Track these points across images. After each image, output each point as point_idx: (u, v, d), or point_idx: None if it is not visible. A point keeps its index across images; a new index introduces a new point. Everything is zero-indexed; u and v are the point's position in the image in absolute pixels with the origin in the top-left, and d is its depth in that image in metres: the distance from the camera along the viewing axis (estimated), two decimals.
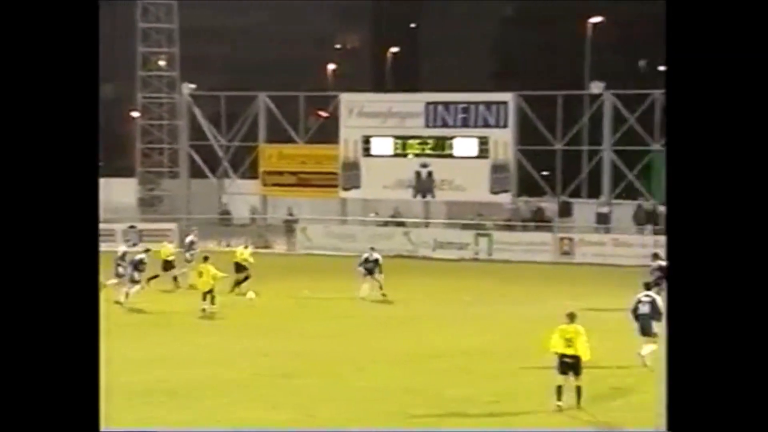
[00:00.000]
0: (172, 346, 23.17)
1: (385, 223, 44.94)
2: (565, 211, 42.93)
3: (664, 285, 26.45)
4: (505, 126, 43.28)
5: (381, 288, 30.69)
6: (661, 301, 21.01)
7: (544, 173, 44.59)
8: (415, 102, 45.03)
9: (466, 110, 43.67)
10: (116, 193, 45.88)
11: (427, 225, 44.61)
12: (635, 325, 20.99)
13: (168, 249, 33.26)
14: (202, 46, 64.33)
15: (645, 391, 18.46)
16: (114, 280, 29.24)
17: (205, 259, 28.97)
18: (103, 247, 12.05)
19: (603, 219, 42.08)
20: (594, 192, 43.62)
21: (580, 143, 43.94)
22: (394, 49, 76.87)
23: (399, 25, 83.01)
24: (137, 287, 29.25)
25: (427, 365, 21.24)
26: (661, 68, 71.67)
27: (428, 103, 44.43)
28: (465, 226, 43.35)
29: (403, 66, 75.53)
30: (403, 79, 69.33)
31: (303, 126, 47.83)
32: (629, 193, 42.54)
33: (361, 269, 30.95)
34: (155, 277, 31.47)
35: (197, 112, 47.97)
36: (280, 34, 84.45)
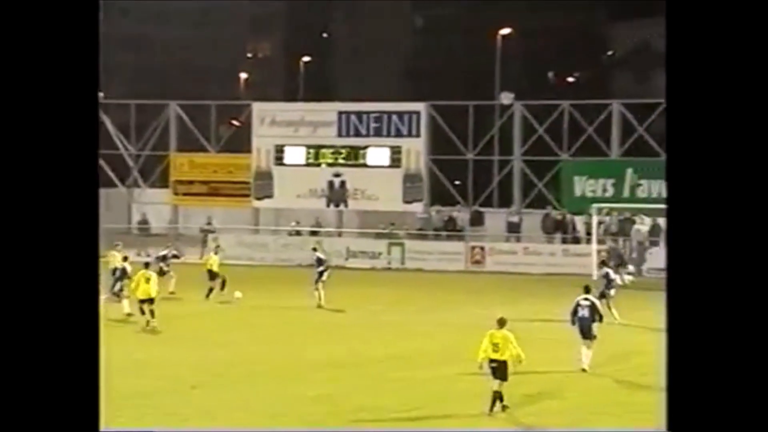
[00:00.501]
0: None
1: (297, 233, 45.17)
2: (477, 220, 43.67)
3: (612, 292, 27.27)
4: (417, 135, 43.87)
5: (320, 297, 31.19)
6: (599, 304, 21.63)
7: (456, 183, 45.30)
8: (327, 111, 45.39)
9: (378, 120, 44.17)
10: None
11: (339, 234, 44.96)
12: (575, 329, 21.45)
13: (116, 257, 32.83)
14: (111, 54, 63.77)
15: (563, 397, 19.10)
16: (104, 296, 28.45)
17: (146, 265, 28.54)
18: None
19: (513, 228, 42.90)
20: (505, 201, 44.48)
21: (491, 153, 44.75)
22: (306, 58, 77.13)
23: (311, 33, 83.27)
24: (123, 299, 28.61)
25: (338, 373, 21.47)
26: (570, 79, 73.06)
27: (341, 113, 44.82)
28: (378, 236, 43.81)
29: (316, 75, 75.83)
30: (316, 88, 69.65)
31: (215, 135, 47.85)
32: (539, 202, 43.44)
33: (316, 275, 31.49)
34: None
35: (106, 120, 47.65)
36: (191, 42, 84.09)
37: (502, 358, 17.81)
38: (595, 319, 21.26)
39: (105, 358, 9.33)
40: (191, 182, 46.91)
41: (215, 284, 32.20)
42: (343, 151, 44.48)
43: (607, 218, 40.79)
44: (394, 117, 44.14)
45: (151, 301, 26.90)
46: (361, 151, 44.26)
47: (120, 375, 20.82)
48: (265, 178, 45.55)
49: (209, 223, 45.69)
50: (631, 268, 36.25)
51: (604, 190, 41.86)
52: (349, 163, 44.36)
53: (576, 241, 41.18)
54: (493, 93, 49.80)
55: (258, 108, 46.40)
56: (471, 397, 18.62)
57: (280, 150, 45.29)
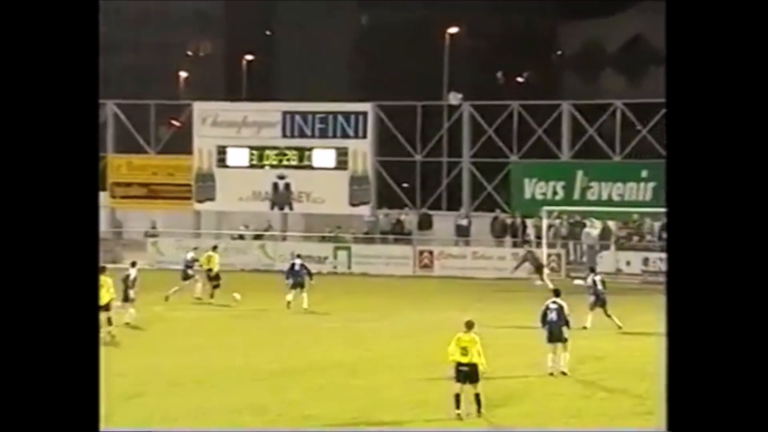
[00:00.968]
0: None
1: (241, 236, 44.86)
2: (425, 223, 43.66)
3: (603, 300, 27.44)
4: (364, 137, 43.78)
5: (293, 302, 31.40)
6: (567, 308, 21.66)
7: (404, 185, 45.27)
8: (271, 111, 45.13)
9: (324, 120, 44.01)
10: None
11: (284, 238, 44.72)
12: (544, 332, 21.56)
13: None
14: None
15: (522, 401, 19.12)
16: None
17: (102, 269, 28.00)
18: None
19: (462, 231, 42.94)
20: (454, 204, 44.49)
21: (440, 155, 44.77)
22: (249, 57, 76.75)
23: (254, 32, 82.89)
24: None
25: (279, 382, 21.20)
26: (519, 79, 73.50)
27: (285, 113, 44.60)
28: (323, 239, 43.67)
29: (259, 74, 75.51)
30: (259, 88, 69.35)
31: (154, 136, 47.37)
32: (489, 205, 43.53)
33: (290, 281, 31.63)
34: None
35: None
36: (128, 40, 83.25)
37: (472, 361, 17.90)
38: (561, 323, 21.31)
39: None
40: (129, 185, 46.40)
41: (218, 284, 32.87)
42: (287, 152, 44.25)
43: (557, 221, 41.00)
44: (340, 117, 44.02)
45: (105, 307, 26.29)
46: (307, 153, 44.06)
47: None
48: (206, 180, 45.18)
49: (154, 227, 45.25)
50: (546, 271, 36.61)
51: (555, 193, 42.05)
52: (294, 164, 44.15)
53: (526, 244, 41.28)
54: (441, 93, 49.89)
55: (199, 108, 46.03)
56: (414, 406, 18.68)
57: (222, 151, 44.95)
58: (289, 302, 31.23)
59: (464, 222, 43.02)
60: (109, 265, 33.94)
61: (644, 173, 40.76)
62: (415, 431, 17.58)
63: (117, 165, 46.50)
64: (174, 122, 50.14)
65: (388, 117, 44.00)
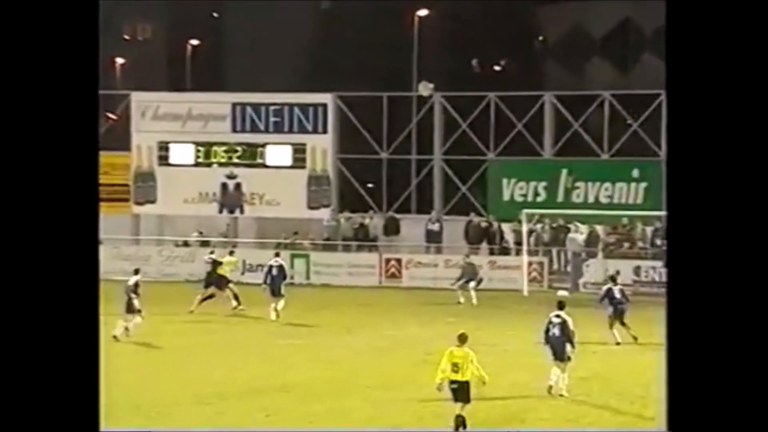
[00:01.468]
0: None
1: (185, 243, 44.88)
2: (392, 228, 43.86)
3: (626, 310, 28.16)
4: (324, 131, 43.96)
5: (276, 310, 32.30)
6: (571, 323, 21.88)
7: (369, 185, 45.47)
8: (219, 103, 45.22)
9: (279, 113, 44.15)
10: None
11: (234, 245, 44.77)
12: (546, 349, 21.82)
13: None
14: None
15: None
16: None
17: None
18: None
19: (433, 237, 43.17)
20: (424, 207, 44.73)
21: (408, 152, 45.00)
22: (194, 42, 76.69)
23: (199, 14, 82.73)
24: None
25: (223, 406, 21.09)
26: (497, 68, 73.92)
27: (235, 105, 44.72)
28: (278, 246, 43.73)
29: (205, 61, 75.41)
30: (206, 76, 69.27)
31: None
32: (463, 208, 43.79)
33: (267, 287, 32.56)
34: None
35: None
36: None
37: (464, 378, 18.06)
38: (564, 339, 21.55)
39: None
40: None
41: (233, 290, 33.69)
42: (238, 149, 44.36)
43: (539, 226, 41.34)
44: (297, 110, 44.18)
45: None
46: (259, 150, 44.18)
47: None
48: (146, 180, 45.20)
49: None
50: (473, 284, 37.05)
51: (536, 194, 42.41)
52: (245, 162, 44.25)
53: (504, 252, 41.61)
54: (410, 83, 50.10)
55: (137, 99, 46.04)
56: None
57: (164, 147, 44.99)
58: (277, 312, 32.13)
59: (435, 227, 43.27)
60: None
61: (635, 173, 41.21)
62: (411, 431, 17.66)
63: None
64: (109, 115, 50.08)
65: (350, 109, 44.19)
